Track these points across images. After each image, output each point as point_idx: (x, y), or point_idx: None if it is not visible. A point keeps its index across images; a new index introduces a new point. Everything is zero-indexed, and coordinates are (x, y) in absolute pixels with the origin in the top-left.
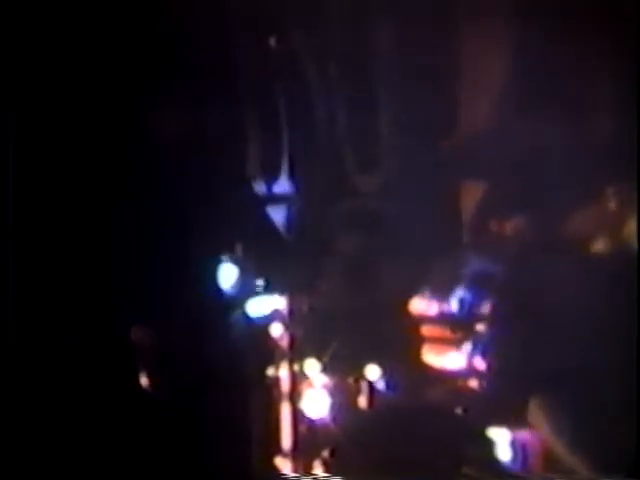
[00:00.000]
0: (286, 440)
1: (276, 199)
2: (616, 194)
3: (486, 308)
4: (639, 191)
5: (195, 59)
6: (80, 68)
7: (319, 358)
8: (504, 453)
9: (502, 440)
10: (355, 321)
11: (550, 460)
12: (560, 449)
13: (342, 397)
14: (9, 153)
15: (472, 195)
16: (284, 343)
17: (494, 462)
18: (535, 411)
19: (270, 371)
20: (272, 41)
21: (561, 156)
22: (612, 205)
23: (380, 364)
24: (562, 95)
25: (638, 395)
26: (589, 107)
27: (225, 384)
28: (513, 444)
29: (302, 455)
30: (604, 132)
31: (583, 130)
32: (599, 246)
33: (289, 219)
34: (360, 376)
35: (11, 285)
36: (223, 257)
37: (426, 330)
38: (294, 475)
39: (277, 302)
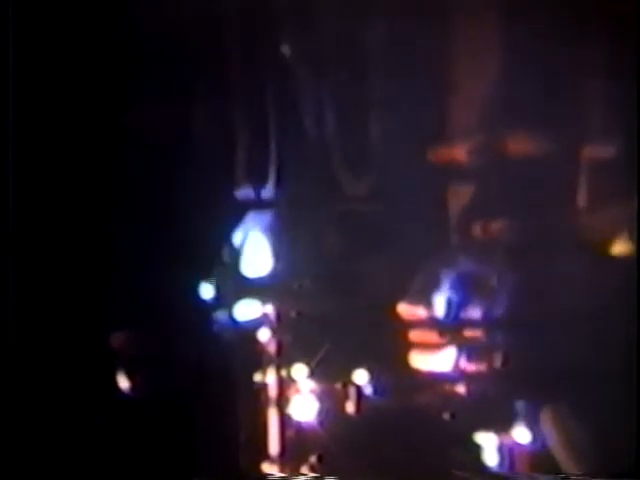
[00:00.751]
0: (274, 445)
1: (264, 204)
2: (615, 194)
3: (474, 311)
4: (639, 191)
5: (184, 62)
6: (76, 68)
7: (307, 363)
8: (491, 458)
9: (489, 445)
10: (343, 326)
11: (538, 465)
12: (560, 450)
13: (330, 402)
14: (9, 153)
15: (462, 197)
16: (272, 348)
17: (482, 467)
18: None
19: (258, 376)
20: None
21: (558, 157)
22: (610, 206)
23: (368, 369)
24: (561, 95)
25: (638, 395)
26: (588, 107)
27: (213, 389)
28: (500, 449)
29: (290, 460)
30: (603, 132)
31: (582, 130)
32: (594, 247)
33: (276, 223)
34: (348, 381)
35: (11, 285)
36: (211, 262)
37: (414, 334)
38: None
39: (264, 307)
